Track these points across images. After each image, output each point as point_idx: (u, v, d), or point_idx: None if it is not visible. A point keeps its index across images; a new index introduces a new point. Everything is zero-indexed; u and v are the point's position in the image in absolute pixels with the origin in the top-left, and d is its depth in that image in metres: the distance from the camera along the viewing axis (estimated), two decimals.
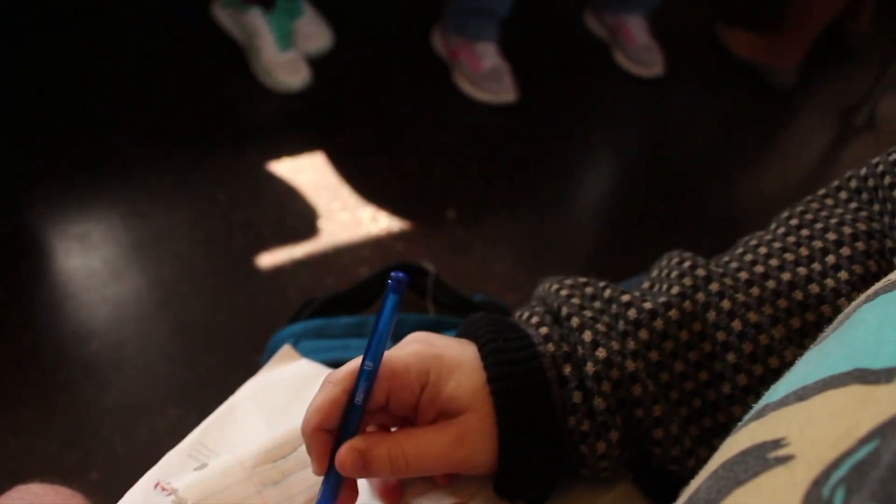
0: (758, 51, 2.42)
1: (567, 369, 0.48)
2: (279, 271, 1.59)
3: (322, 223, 1.70)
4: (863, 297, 0.36)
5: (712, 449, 0.36)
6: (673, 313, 0.49)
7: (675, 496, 0.35)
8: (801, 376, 0.32)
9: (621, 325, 0.49)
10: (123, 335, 1.43)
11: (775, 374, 0.42)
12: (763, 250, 0.53)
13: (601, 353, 0.47)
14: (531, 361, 0.48)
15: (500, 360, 0.48)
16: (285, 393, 0.64)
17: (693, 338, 0.49)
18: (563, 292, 0.52)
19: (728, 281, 0.50)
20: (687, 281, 0.50)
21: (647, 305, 0.49)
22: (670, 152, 2.20)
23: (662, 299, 0.49)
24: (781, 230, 0.55)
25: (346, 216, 1.73)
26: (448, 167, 1.92)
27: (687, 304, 0.49)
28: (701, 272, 0.51)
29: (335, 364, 0.72)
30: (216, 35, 2.00)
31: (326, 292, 1.50)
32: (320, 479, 0.51)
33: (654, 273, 0.54)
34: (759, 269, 0.51)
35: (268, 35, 1.90)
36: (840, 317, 0.36)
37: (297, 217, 1.70)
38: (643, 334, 0.48)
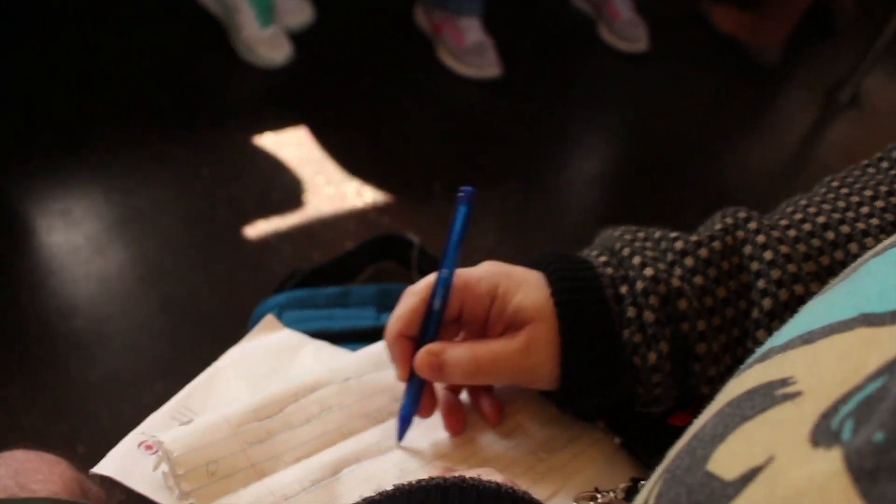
0: (742, 27, 2.42)
1: (623, 289, 0.52)
2: (263, 246, 1.58)
3: (306, 197, 1.70)
4: (871, 252, 0.37)
5: None
6: (716, 244, 0.52)
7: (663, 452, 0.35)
8: (806, 322, 0.32)
9: (669, 256, 0.53)
10: (108, 311, 1.43)
11: (798, 301, 0.47)
12: (803, 202, 0.56)
13: (648, 271, 0.52)
14: (592, 280, 0.52)
15: (563, 276, 0.52)
16: (267, 361, 0.64)
17: (733, 269, 0.52)
18: (617, 233, 0.57)
19: (766, 221, 0.54)
20: (729, 220, 0.54)
21: (693, 237, 0.54)
22: (654, 128, 2.20)
23: (707, 233, 0.54)
24: (823, 190, 0.58)
25: (330, 190, 1.72)
26: (432, 142, 1.92)
27: (728, 238, 0.53)
28: (742, 214, 0.55)
29: (319, 334, 0.73)
30: (196, 11, 1.98)
31: (310, 266, 1.51)
32: (306, 439, 0.52)
33: (701, 227, 0.58)
34: (798, 215, 0.54)
35: (248, 10, 1.88)
36: (847, 270, 0.37)
37: (281, 191, 1.70)
38: (689, 261, 0.52)
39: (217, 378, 0.62)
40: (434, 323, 0.53)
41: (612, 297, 0.52)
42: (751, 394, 0.30)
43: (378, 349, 0.61)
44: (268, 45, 1.89)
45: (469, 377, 0.52)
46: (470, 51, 2.03)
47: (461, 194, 0.53)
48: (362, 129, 1.89)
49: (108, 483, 0.53)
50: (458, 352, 0.51)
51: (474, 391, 0.58)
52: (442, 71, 2.07)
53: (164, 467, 0.48)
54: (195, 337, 1.43)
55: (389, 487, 0.50)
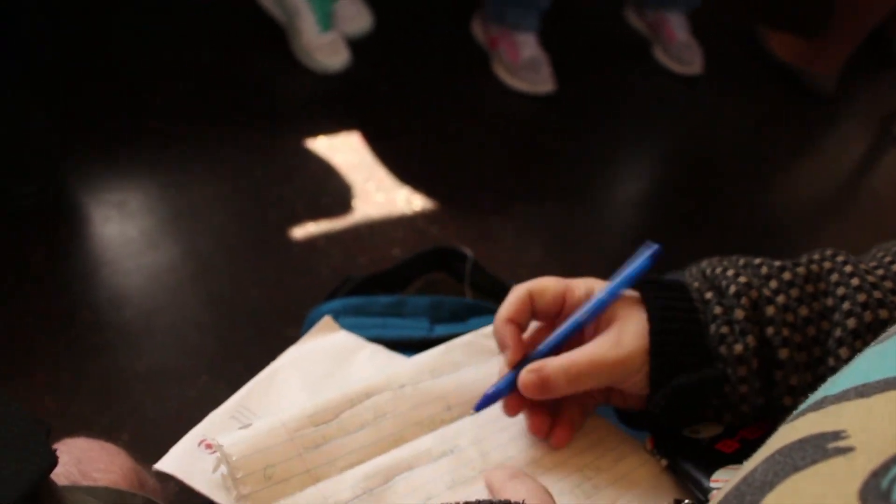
0: (799, 54, 2.40)
1: (709, 294, 0.55)
2: (312, 249, 1.60)
3: (356, 203, 1.71)
4: None
5: None
6: (800, 269, 0.55)
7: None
8: (861, 373, 0.32)
9: (755, 278, 0.55)
10: (157, 304, 1.45)
11: (882, 325, 0.49)
12: (895, 248, 0.57)
13: (742, 279, 0.54)
14: (677, 285, 0.56)
15: (651, 285, 0.56)
16: (325, 363, 0.65)
17: (817, 293, 0.54)
18: (704, 262, 0.59)
19: (854, 257, 0.56)
20: (817, 255, 0.56)
21: (777, 264, 0.56)
22: (704, 152, 2.19)
23: (791, 262, 0.56)
24: None
25: (380, 197, 1.74)
26: (482, 154, 1.93)
27: (814, 266, 0.55)
28: (830, 251, 0.56)
29: (374, 341, 0.74)
30: (257, 11, 2.01)
31: (358, 271, 1.52)
32: (360, 445, 0.53)
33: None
34: (888, 258, 0.55)
35: (308, 15, 1.90)
36: None
37: (332, 196, 1.71)
38: (773, 283, 0.54)
39: (275, 378, 0.63)
40: (566, 331, 0.57)
41: (699, 299, 0.55)
42: (803, 443, 0.30)
43: (434, 356, 0.62)
44: (326, 51, 1.91)
45: (572, 384, 0.54)
46: (525, 66, 2.03)
47: (651, 250, 0.57)
48: (414, 138, 1.91)
49: (162, 475, 0.54)
50: (555, 363, 0.55)
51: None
52: (496, 84, 2.08)
53: (224, 469, 0.49)
54: (241, 334, 1.45)
55: (438, 498, 0.51)
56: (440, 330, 0.81)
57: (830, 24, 2.32)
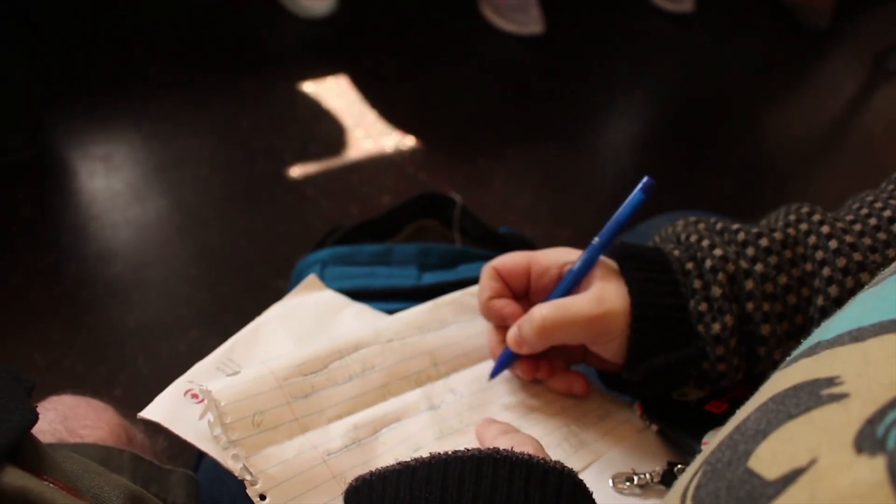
0: None
1: (689, 265, 0.53)
2: (301, 198, 1.59)
3: (345, 150, 1.69)
4: None
5: None
6: (777, 234, 0.53)
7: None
8: (856, 317, 0.31)
9: (732, 247, 0.53)
10: (146, 257, 1.44)
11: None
12: (869, 198, 0.55)
13: (718, 251, 0.52)
14: (657, 254, 0.54)
15: (626, 248, 0.55)
16: (310, 318, 0.65)
17: (796, 258, 0.52)
18: (680, 224, 0.58)
19: (831, 215, 0.54)
20: (792, 216, 0.54)
21: (754, 230, 0.54)
22: (696, 92, 2.17)
23: (768, 226, 0.55)
24: (891, 186, 0.57)
25: (369, 144, 1.72)
26: (472, 97, 1.91)
27: (791, 230, 0.53)
28: (806, 209, 0.54)
29: (361, 291, 0.73)
30: None
31: (349, 220, 1.51)
32: (348, 397, 0.52)
33: (764, 221, 0.58)
34: (864, 210, 0.53)
35: None
36: None
37: (320, 144, 1.69)
38: (749, 251, 0.52)
39: (261, 332, 0.62)
40: (566, 284, 0.55)
41: (679, 270, 0.53)
42: (796, 390, 0.29)
43: (421, 312, 0.61)
44: None
45: (545, 335, 0.53)
46: (513, 6, 2.00)
47: (644, 182, 0.54)
48: (403, 83, 1.88)
49: (151, 429, 0.54)
50: (526, 318, 0.54)
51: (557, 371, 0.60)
52: (484, 26, 2.05)
53: (210, 416, 0.48)
54: (231, 286, 1.44)
55: (427, 449, 0.51)
56: (428, 278, 0.80)
57: None
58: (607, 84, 2.09)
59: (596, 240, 0.55)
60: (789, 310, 0.52)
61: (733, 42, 2.35)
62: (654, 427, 0.58)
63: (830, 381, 0.28)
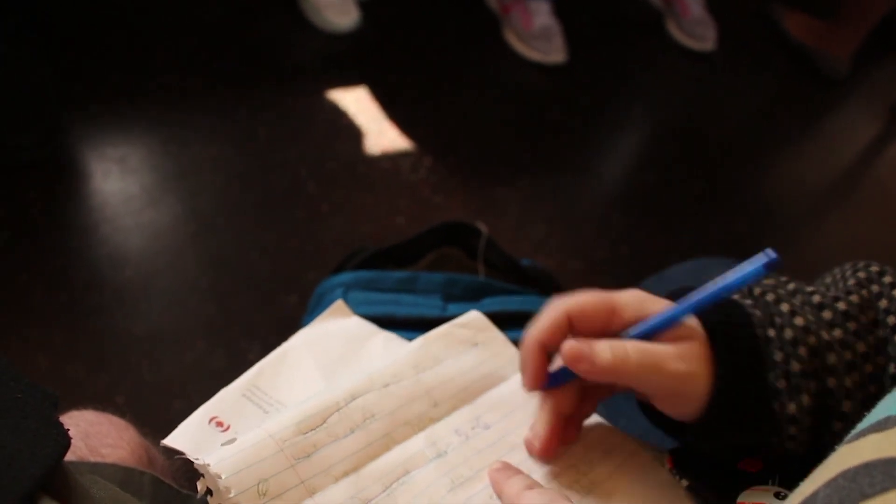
0: (813, 35, 2.38)
1: (771, 332, 0.50)
2: (315, 214, 1.58)
3: (361, 168, 1.69)
4: None
5: None
6: (854, 297, 0.50)
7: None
8: None
9: (809, 313, 0.51)
10: (157, 264, 1.43)
11: None
12: None
13: (799, 320, 0.49)
14: (741, 316, 0.51)
15: (718, 320, 0.51)
16: (338, 347, 0.64)
17: (870, 323, 0.50)
18: (753, 298, 0.54)
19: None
20: (861, 274, 0.52)
21: (831, 293, 0.51)
22: (713, 129, 2.17)
23: (841, 287, 0.52)
24: None
25: (386, 164, 1.71)
26: (490, 123, 1.90)
27: (864, 292, 0.51)
28: (875, 267, 0.53)
29: (387, 319, 0.72)
30: None
31: (361, 239, 1.50)
32: (352, 451, 0.51)
33: (829, 278, 0.56)
34: None
35: None
36: None
37: (337, 160, 1.69)
38: (826, 314, 0.50)
39: (287, 358, 0.61)
40: (646, 330, 0.51)
41: (762, 335, 0.50)
42: (869, 468, 0.29)
43: (413, 351, 0.60)
44: (336, 10, 1.87)
45: (617, 365, 0.49)
46: (537, 35, 2.00)
47: (770, 260, 0.48)
48: (422, 104, 1.88)
49: (169, 451, 0.53)
50: (608, 343, 0.50)
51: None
52: (506, 52, 2.05)
53: (212, 492, 0.47)
54: (240, 299, 1.43)
55: (442, 500, 0.50)
56: (453, 309, 0.79)
57: (846, 6, 2.29)
58: (624, 118, 2.09)
59: (681, 308, 0.51)
60: (865, 378, 0.50)
61: (751, 83, 2.36)
62: (685, 482, 0.56)
63: None
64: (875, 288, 0.51)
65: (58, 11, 1.72)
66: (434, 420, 0.56)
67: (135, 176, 1.53)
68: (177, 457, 0.47)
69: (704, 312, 0.51)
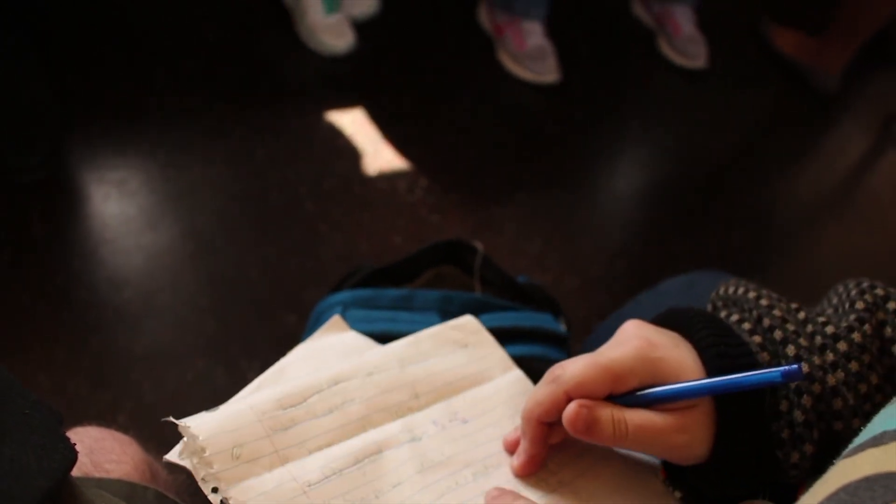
0: (804, 51, 2.39)
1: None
2: (313, 233, 1.59)
3: (358, 188, 1.70)
4: None
5: None
6: (867, 328, 0.49)
7: None
8: None
9: (818, 339, 0.50)
10: (156, 284, 1.44)
11: None
12: None
13: (804, 367, 0.48)
14: (749, 368, 0.49)
15: (722, 366, 0.49)
16: (335, 361, 0.64)
17: (878, 353, 0.50)
18: (763, 302, 0.53)
19: None
20: (868, 298, 0.51)
21: (843, 322, 0.50)
22: (707, 146, 2.19)
23: (853, 316, 0.50)
24: None
25: (382, 183, 1.73)
26: (485, 142, 1.92)
27: (873, 320, 0.50)
28: (880, 291, 0.52)
29: (383, 336, 0.73)
30: None
31: (359, 257, 1.51)
32: (328, 429, 0.53)
33: (835, 298, 0.55)
34: None
35: None
36: None
37: (334, 180, 1.70)
38: (842, 346, 0.49)
39: (286, 373, 0.62)
40: (648, 399, 0.50)
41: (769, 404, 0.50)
42: (870, 482, 0.29)
43: (402, 345, 0.62)
44: (331, 33, 1.89)
45: (617, 439, 0.49)
46: (531, 55, 2.02)
47: (790, 370, 0.46)
48: (418, 124, 1.89)
49: (172, 466, 0.54)
50: (608, 411, 0.49)
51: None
52: (500, 73, 2.07)
53: (189, 451, 0.48)
54: (240, 318, 1.44)
55: (407, 483, 0.51)
56: None
57: (836, 22, 2.31)
58: (619, 135, 2.11)
59: (689, 390, 0.49)
60: (875, 409, 0.47)
61: (744, 99, 2.37)
62: (678, 494, 0.57)
63: None
64: (881, 315, 0.50)
65: (58, 32, 1.74)
66: (413, 410, 0.58)
67: (134, 198, 1.55)
68: (162, 419, 0.48)
69: (711, 371, 0.50)
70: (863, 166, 2.37)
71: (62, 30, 1.76)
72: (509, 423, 0.60)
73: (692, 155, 2.15)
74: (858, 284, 0.53)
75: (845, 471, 0.32)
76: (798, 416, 0.48)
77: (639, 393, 0.50)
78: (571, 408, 0.49)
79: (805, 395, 0.48)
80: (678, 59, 2.29)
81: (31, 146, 1.52)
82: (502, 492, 0.51)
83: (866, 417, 0.48)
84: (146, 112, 1.70)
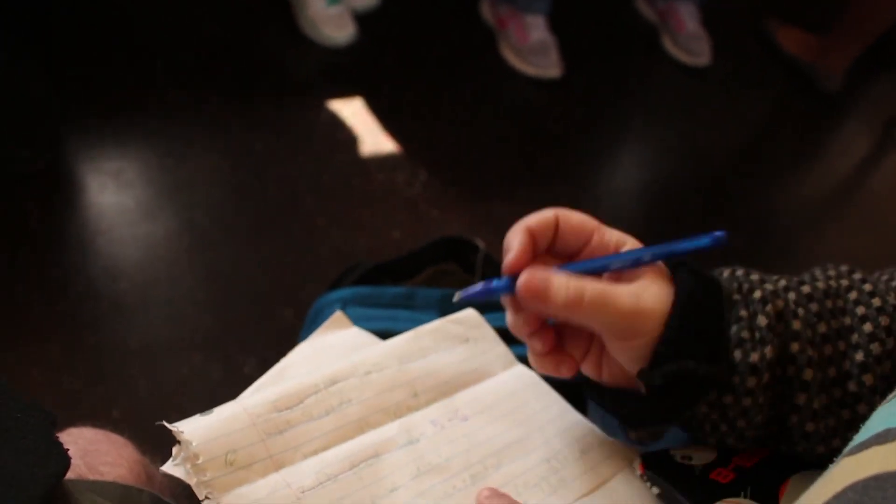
0: (808, 50, 2.38)
1: (737, 296, 0.51)
2: (311, 227, 1.58)
3: (358, 182, 1.69)
4: None
5: (845, 440, 0.38)
6: (820, 284, 0.52)
7: None
8: None
9: (782, 283, 0.52)
10: (153, 276, 1.43)
11: None
12: None
13: (768, 286, 0.51)
14: (712, 283, 0.52)
15: (685, 268, 0.52)
16: (337, 359, 0.64)
17: (836, 310, 0.51)
18: (725, 271, 0.55)
19: (874, 275, 0.53)
20: (832, 271, 0.53)
21: (795, 278, 0.53)
22: (708, 144, 2.18)
23: (809, 276, 0.54)
24: None
25: (382, 177, 1.71)
26: (486, 137, 1.91)
27: (832, 281, 0.52)
28: (846, 267, 0.54)
29: (384, 335, 0.72)
30: None
31: (358, 253, 1.50)
32: (324, 431, 0.52)
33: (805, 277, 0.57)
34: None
35: None
36: None
37: (334, 174, 1.69)
38: (791, 295, 0.51)
39: (286, 374, 0.61)
40: (589, 266, 0.52)
41: (727, 297, 0.51)
42: (879, 481, 0.29)
43: (402, 343, 0.61)
44: (332, 24, 1.87)
45: (571, 307, 0.49)
46: (533, 49, 2.01)
47: (716, 237, 0.51)
48: (418, 117, 1.88)
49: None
50: (565, 278, 0.49)
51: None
52: (502, 67, 2.05)
53: (183, 456, 0.47)
54: (236, 312, 1.43)
55: (403, 488, 0.51)
56: None
57: (841, 22, 2.30)
58: (620, 131, 2.10)
59: (649, 254, 0.53)
60: (825, 360, 0.50)
61: (746, 97, 2.37)
62: (656, 490, 0.56)
63: None
64: (845, 282, 0.52)
65: (57, 25, 1.72)
66: (412, 409, 0.57)
67: (131, 189, 1.54)
68: (156, 423, 0.47)
69: (678, 264, 0.53)
70: (864, 167, 2.36)
71: (61, 23, 1.74)
72: (510, 420, 0.59)
73: (694, 152, 2.15)
74: (824, 266, 0.55)
75: (851, 469, 0.31)
76: (761, 320, 0.49)
77: (588, 260, 0.53)
78: (524, 275, 0.50)
79: (769, 305, 0.50)
80: (681, 56, 2.28)
81: (28, 137, 1.51)
82: (493, 492, 0.50)
83: (818, 359, 0.50)
84: (145, 103, 1.68)
